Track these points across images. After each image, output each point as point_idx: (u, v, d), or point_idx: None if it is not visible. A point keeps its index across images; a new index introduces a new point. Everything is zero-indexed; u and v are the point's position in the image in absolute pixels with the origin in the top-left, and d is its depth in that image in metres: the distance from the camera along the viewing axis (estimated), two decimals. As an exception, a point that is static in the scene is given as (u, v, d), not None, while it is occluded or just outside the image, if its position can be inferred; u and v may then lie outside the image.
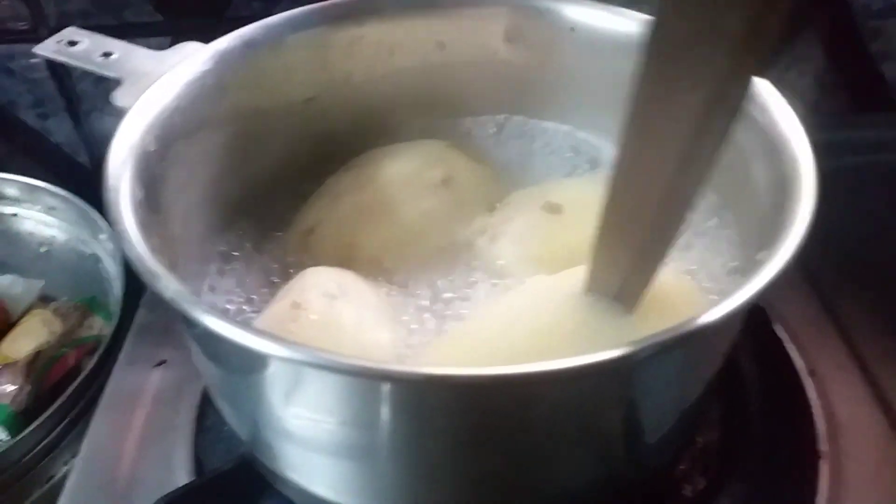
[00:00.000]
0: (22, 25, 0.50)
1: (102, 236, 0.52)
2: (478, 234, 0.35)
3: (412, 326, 0.32)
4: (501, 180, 0.38)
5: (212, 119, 0.32)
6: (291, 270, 0.34)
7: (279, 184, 0.37)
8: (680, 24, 0.17)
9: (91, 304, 0.51)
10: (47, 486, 0.45)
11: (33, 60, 0.52)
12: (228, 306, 0.33)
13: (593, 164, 0.38)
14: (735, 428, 0.37)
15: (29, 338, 0.47)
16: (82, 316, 0.50)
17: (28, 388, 0.46)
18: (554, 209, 0.34)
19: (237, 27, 0.34)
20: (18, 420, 0.45)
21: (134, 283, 0.50)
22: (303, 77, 0.36)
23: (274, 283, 0.34)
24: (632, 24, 0.34)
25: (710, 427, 0.37)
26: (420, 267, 0.35)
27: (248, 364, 0.24)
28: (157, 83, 0.30)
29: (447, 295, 0.34)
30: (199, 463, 0.37)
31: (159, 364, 0.42)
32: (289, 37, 0.34)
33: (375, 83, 0.37)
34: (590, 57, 0.36)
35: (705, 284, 0.32)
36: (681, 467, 0.35)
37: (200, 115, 0.31)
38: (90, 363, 0.46)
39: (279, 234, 0.36)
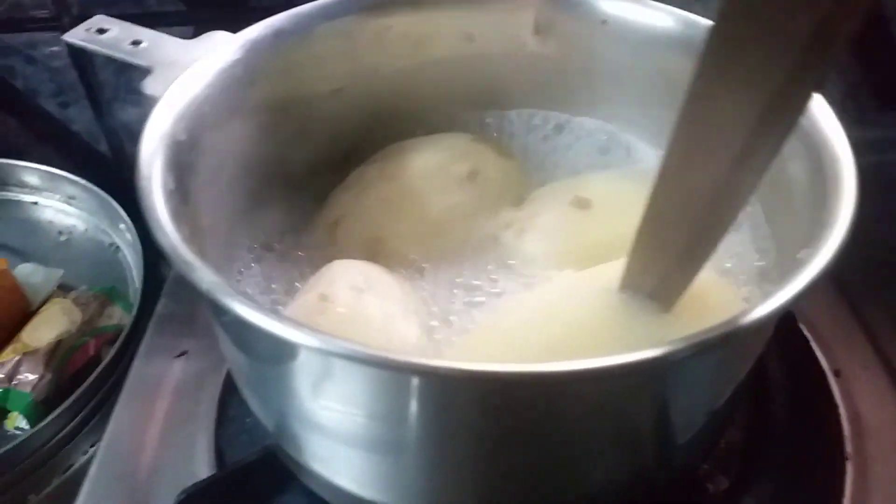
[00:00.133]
0: (44, 13, 0.50)
1: (122, 226, 0.53)
2: (504, 228, 0.35)
3: (438, 320, 0.32)
4: (528, 175, 0.38)
5: (240, 109, 0.32)
6: (317, 262, 0.34)
7: (305, 175, 0.36)
8: (746, 22, 0.17)
9: (110, 294, 0.51)
10: (66, 474, 0.45)
11: (55, 48, 0.52)
12: (254, 298, 0.33)
13: (623, 159, 0.38)
14: (759, 428, 0.37)
15: (49, 327, 0.47)
16: (102, 305, 0.50)
17: (49, 376, 0.46)
18: (583, 204, 0.34)
19: (260, 16, 0.34)
20: (39, 409, 0.45)
21: (153, 273, 0.50)
22: (331, 68, 0.35)
23: (299, 274, 0.34)
24: (665, 17, 0.34)
25: (733, 427, 0.37)
26: (446, 260, 0.34)
27: (281, 355, 0.24)
28: (187, 72, 0.30)
29: (473, 289, 0.33)
30: (220, 454, 0.37)
31: (181, 355, 0.42)
32: (318, 27, 0.34)
33: (403, 75, 0.37)
34: (621, 51, 0.35)
35: (735, 283, 0.32)
36: (704, 466, 0.35)
37: (229, 104, 0.31)
38: (110, 353, 0.46)
39: (305, 225, 0.36)
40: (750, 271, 0.32)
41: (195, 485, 0.33)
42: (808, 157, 0.28)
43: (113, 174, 0.58)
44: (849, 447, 0.36)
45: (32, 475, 0.44)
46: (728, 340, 0.21)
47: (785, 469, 0.35)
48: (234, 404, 0.39)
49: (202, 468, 0.36)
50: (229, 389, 0.39)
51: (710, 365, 0.25)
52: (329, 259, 0.33)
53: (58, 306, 0.49)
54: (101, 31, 0.33)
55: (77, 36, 0.33)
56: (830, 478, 0.35)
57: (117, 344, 0.46)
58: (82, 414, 0.45)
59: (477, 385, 0.22)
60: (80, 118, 0.56)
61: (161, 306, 0.45)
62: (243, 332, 0.26)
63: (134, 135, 0.57)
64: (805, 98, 0.18)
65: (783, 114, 0.18)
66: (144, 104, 0.55)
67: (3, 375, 0.46)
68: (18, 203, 0.56)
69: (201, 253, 0.24)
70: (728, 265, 0.32)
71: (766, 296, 0.22)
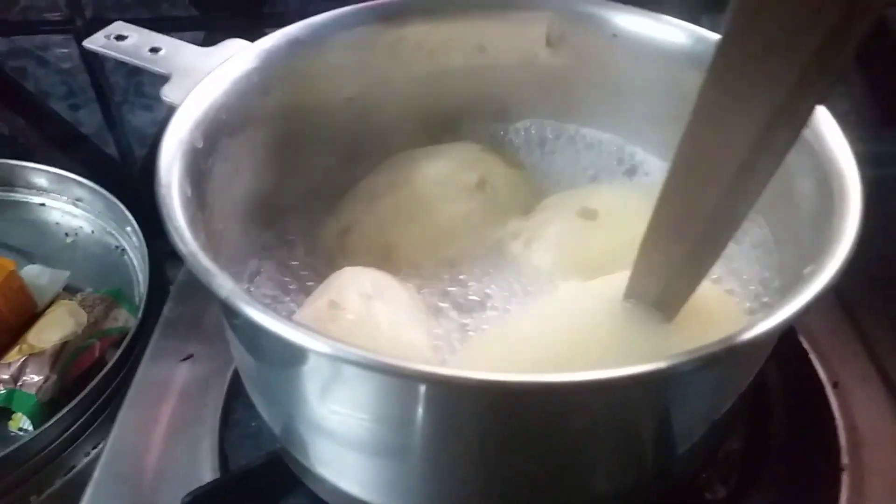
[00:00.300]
0: (57, 16, 0.50)
1: (129, 228, 0.53)
2: (512, 237, 0.35)
3: (446, 328, 0.32)
4: (537, 185, 0.38)
5: (256, 116, 0.32)
6: (327, 269, 0.34)
7: (317, 182, 0.37)
8: (754, 34, 0.17)
9: (117, 296, 0.51)
10: (69, 476, 0.45)
11: (67, 51, 0.52)
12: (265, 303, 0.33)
13: (631, 171, 0.38)
14: (758, 438, 0.37)
15: (55, 328, 0.47)
16: (108, 308, 0.50)
17: (54, 378, 0.46)
18: (590, 215, 0.34)
19: (272, 22, 0.34)
20: (43, 410, 0.45)
21: (159, 276, 0.51)
22: (344, 76, 0.36)
23: (310, 281, 0.34)
24: (675, 32, 0.34)
25: (733, 436, 0.37)
26: (454, 269, 0.35)
27: (294, 360, 0.25)
28: (205, 80, 0.30)
29: (481, 297, 0.34)
30: (224, 458, 0.37)
31: (186, 358, 0.42)
32: (332, 37, 0.34)
33: (415, 84, 0.37)
34: (631, 64, 0.36)
35: (739, 296, 0.32)
36: (703, 475, 0.35)
37: (245, 112, 0.31)
38: (115, 355, 0.46)
39: (316, 232, 0.36)
40: (756, 286, 0.33)
41: (200, 488, 0.34)
42: (815, 173, 0.28)
43: (121, 177, 0.58)
44: (845, 458, 0.36)
45: (35, 476, 0.44)
46: (731, 354, 0.22)
47: (782, 479, 0.35)
48: (239, 408, 0.39)
49: (206, 472, 0.36)
50: (234, 393, 0.39)
51: (713, 377, 0.26)
52: (339, 266, 0.33)
53: (64, 308, 0.49)
54: (121, 37, 0.34)
55: (97, 42, 0.34)
56: (826, 488, 0.35)
57: (122, 346, 0.46)
58: (86, 416, 0.45)
59: (483, 393, 0.22)
60: (89, 121, 0.56)
61: (168, 310, 0.45)
62: (258, 338, 0.26)
63: (143, 138, 0.58)
64: (808, 112, 0.18)
65: (786, 127, 0.19)
66: (155, 108, 0.56)
67: (8, 376, 0.46)
68: (26, 204, 0.56)
69: (215, 257, 0.24)
70: (734, 279, 0.33)
71: (769, 310, 0.23)
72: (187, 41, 0.34)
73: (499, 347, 0.30)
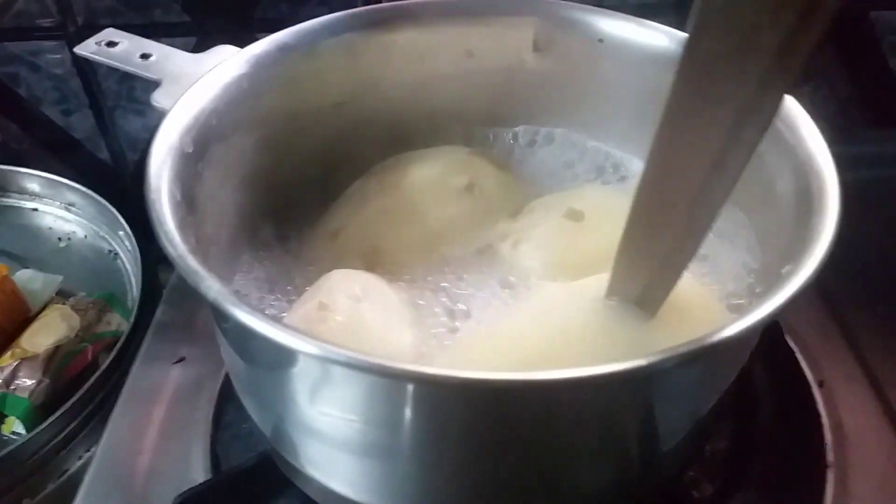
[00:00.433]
0: (48, 22, 0.51)
1: (121, 233, 0.53)
2: (500, 239, 0.36)
3: (434, 329, 0.33)
4: (525, 187, 0.39)
5: (246, 122, 0.33)
6: (316, 272, 0.34)
7: (306, 186, 0.37)
8: (717, 37, 0.18)
9: (109, 301, 0.52)
10: (62, 479, 0.45)
11: (59, 57, 0.52)
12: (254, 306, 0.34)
13: (617, 174, 0.39)
14: (744, 436, 0.38)
15: (48, 332, 0.48)
16: (101, 312, 0.50)
17: (46, 382, 0.46)
18: (576, 216, 0.35)
19: (264, 28, 0.34)
20: (36, 414, 0.46)
21: (151, 280, 0.51)
22: (334, 82, 0.36)
23: (299, 283, 0.35)
24: (660, 37, 0.35)
25: (718, 435, 0.37)
26: (443, 271, 0.35)
27: (283, 362, 0.25)
28: (195, 86, 0.30)
29: (469, 299, 0.34)
30: (216, 460, 0.37)
31: (178, 361, 0.42)
32: (321, 42, 0.35)
33: (404, 89, 0.38)
34: (617, 69, 0.36)
35: (723, 295, 0.33)
36: (690, 474, 0.36)
37: (235, 117, 0.32)
38: (107, 359, 0.46)
39: (306, 236, 0.37)
40: (737, 284, 0.33)
41: (191, 489, 0.34)
42: (795, 174, 0.29)
43: (113, 182, 0.59)
44: (830, 456, 0.37)
45: (28, 480, 0.44)
46: (711, 352, 0.22)
47: (768, 476, 0.36)
48: (230, 411, 0.39)
49: (198, 474, 0.36)
50: (226, 396, 0.40)
51: (695, 374, 0.26)
52: (328, 268, 0.33)
53: (57, 312, 0.49)
54: (112, 44, 0.34)
55: (88, 49, 0.34)
56: (812, 485, 0.36)
57: (115, 350, 0.46)
58: (79, 419, 0.45)
59: (468, 392, 0.22)
60: (81, 126, 0.56)
61: (160, 313, 0.45)
62: (247, 340, 0.26)
63: (135, 143, 0.59)
64: (773, 109, 0.19)
65: (753, 124, 0.19)
66: (147, 114, 0.56)
67: (1, 380, 0.46)
68: (19, 209, 0.57)
69: (205, 261, 0.24)
70: (712, 277, 0.33)
71: (749, 308, 0.23)
72: (179, 47, 0.35)
73: (484, 347, 0.30)
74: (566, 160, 0.40)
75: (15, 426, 0.46)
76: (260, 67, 0.33)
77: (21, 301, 0.50)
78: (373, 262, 0.35)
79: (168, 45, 0.35)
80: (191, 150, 0.29)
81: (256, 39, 0.34)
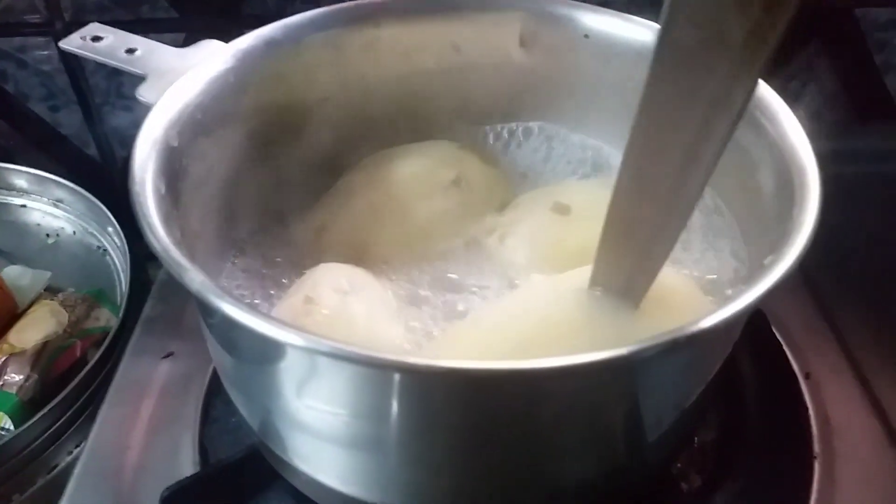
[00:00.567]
0: (36, 18, 0.50)
1: (110, 229, 0.53)
2: (487, 233, 0.36)
3: (421, 322, 0.33)
4: (512, 182, 0.39)
5: (231, 116, 0.33)
6: (303, 266, 0.34)
7: (293, 181, 0.37)
8: (687, 32, 0.18)
9: (98, 296, 0.52)
10: (51, 474, 0.45)
11: (47, 53, 0.52)
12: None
13: (602, 168, 0.39)
14: (731, 428, 0.38)
15: (37, 328, 0.48)
16: (89, 307, 0.50)
17: (35, 377, 0.46)
18: (562, 210, 0.35)
19: (250, 24, 0.34)
20: (24, 409, 0.45)
21: (140, 276, 0.51)
22: (320, 77, 0.36)
23: (286, 278, 0.35)
24: (645, 32, 0.35)
25: (707, 427, 0.38)
26: (430, 265, 0.35)
27: (268, 354, 0.25)
28: (180, 80, 0.30)
29: (456, 292, 0.34)
30: (204, 454, 0.37)
31: (167, 356, 0.42)
32: (308, 37, 0.35)
33: (390, 84, 0.38)
34: (603, 64, 0.36)
35: (706, 286, 0.33)
36: (678, 465, 0.36)
37: (221, 111, 0.32)
38: (96, 354, 0.46)
39: (292, 230, 0.37)
40: (721, 276, 0.33)
41: (180, 482, 0.34)
42: (777, 168, 0.29)
43: (101, 178, 0.59)
44: (817, 447, 0.37)
45: (17, 475, 0.44)
46: (693, 340, 0.22)
47: (756, 467, 0.36)
48: (218, 405, 0.39)
49: (187, 467, 0.36)
50: (214, 390, 0.40)
51: (679, 364, 0.26)
52: (315, 263, 0.34)
53: (45, 308, 0.49)
54: (96, 38, 0.34)
55: (72, 43, 0.34)
56: (799, 476, 0.36)
57: (104, 346, 0.46)
58: (68, 415, 0.45)
59: (453, 381, 0.22)
60: (69, 122, 0.56)
61: (149, 308, 0.45)
62: (231, 332, 0.27)
63: (123, 139, 0.58)
64: (744, 99, 0.19)
65: (724, 114, 0.20)
66: (135, 109, 0.56)
67: (-11, 376, 0.46)
68: (6, 205, 0.56)
69: (191, 255, 0.24)
70: (697, 268, 0.33)
71: (731, 298, 0.24)
72: (167, 43, 0.35)
73: (470, 339, 0.30)
74: (552, 154, 0.40)
75: (3, 422, 0.46)
76: (246, 62, 0.33)
77: (9, 297, 0.49)
78: (359, 256, 0.35)
79: (156, 41, 0.35)
80: (176, 144, 0.29)
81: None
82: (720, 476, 0.36)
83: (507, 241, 0.35)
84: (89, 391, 0.46)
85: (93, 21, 0.36)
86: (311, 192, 0.38)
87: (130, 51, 0.33)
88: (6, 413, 0.45)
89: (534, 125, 0.41)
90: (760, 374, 0.40)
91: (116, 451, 0.38)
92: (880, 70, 0.55)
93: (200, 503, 0.34)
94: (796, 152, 0.29)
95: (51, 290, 0.52)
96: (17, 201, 0.56)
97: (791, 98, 0.30)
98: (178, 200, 0.28)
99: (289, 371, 0.25)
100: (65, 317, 0.49)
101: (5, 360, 0.46)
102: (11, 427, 0.45)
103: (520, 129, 0.41)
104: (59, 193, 0.55)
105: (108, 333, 0.47)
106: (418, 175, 0.37)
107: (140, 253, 0.51)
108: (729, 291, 0.33)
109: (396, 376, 0.23)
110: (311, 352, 0.22)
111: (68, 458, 0.45)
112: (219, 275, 0.34)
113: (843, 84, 0.56)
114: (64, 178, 0.54)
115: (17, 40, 0.52)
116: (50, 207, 0.56)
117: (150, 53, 0.33)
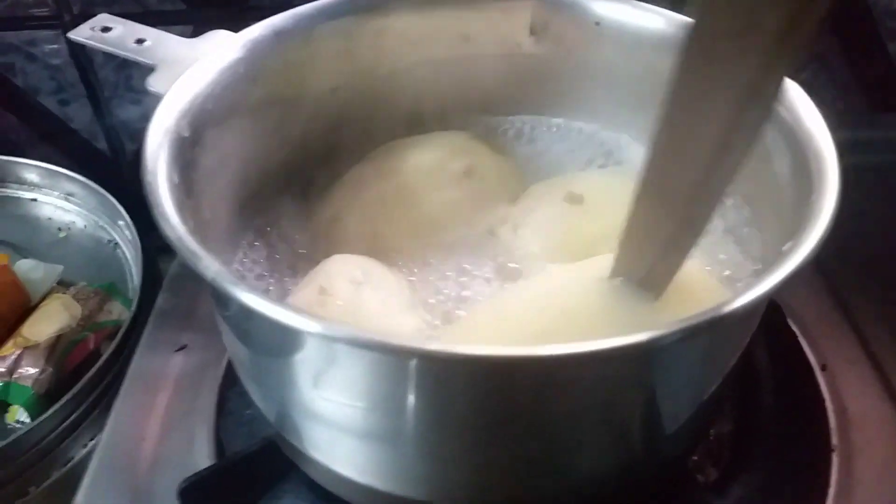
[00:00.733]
0: (45, 11, 0.50)
1: (121, 222, 0.53)
2: (500, 224, 0.36)
3: (435, 313, 0.33)
4: (524, 172, 0.39)
5: (242, 106, 0.32)
6: (316, 257, 0.34)
7: (304, 172, 0.37)
8: (720, 20, 0.18)
9: (110, 290, 0.52)
10: (67, 467, 0.45)
11: (56, 46, 0.52)
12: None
13: (616, 157, 0.38)
14: (748, 420, 0.38)
15: (50, 321, 0.48)
16: (101, 301, 0.50)
17: (49, 370, 0.46)
18: (575, 200, 0.35)
19: (258, 15, 0.34)
20: (39, 402, 0.46)
21: (151, 269, 0.51)
22: (329, 67, 0.36)
23: (298, 269, 0.35)
24: (657, 19, 0.34)
25: (723, 419, 0.37)
26: (442, 256, 0.35)
27: (284, 342, 0.25)
28: (191, 70, 0.30)
29: (470, 283, 0.34)
30: (220, 446, 0.37)
31: (181, 349, 0.42)
32: (317, 27, 0.35)
33: (399, 74, 0.38)
34: (614, 52, 0.36)
35: (723, 275, 0.33)
36: (694, 458, 0.36)
37: (231, 102, 0.32)
38: (109, 347, 0.46)
39: (304, 221, 0.37)
40: (738, 265, 0.33)
41: (196, 474, 0.34)
42: (794, 155, 0.29)
43: (112, 171, 0.59)
44: (834, 439, 0.37)
45: (33, 468, 0.44)
46: (713, 326, 0.22)
47: (773, 460, 0.36)
48: (233, 397, 0.39)
49: (202, 460, 0.37)
50: (229, 382, 0.40)
51: (697, 352, 0.26)
52: (328, 254, 0.33)
53: (58, 301, 0.49)
54: (106, 29, 0.34)
55: (82, 34, 0.34)
56: (816, 468, 0.36)
57: (117, 338, 0.47)
58: (83, 407, 0.45)
59: (471, 368, 0.22)
60: (79, 116, 0.56)
61: (161, 300, 0.45)
62: (247, 321, 0.26)
63: (133, 132, 0.58)
64: (776, 90, 0.19)
65: (756, 105, 0.19)
66: (144, 102, 0.56)
67: (4, 369, 0.46)
68: (18, 200, 0.57)
69: (203, 244, 0.24)
70: (717, 257, 0.33)
71: (750, 285, 0.23)
72: (175, 35, 0.35)
73: (488, 325, 0.30)
74: (564, 144, 0.40)
75: (19, 415, 0.46)
76: (256, 52, 0.33)
77: (22, 291, 0.50)
78: (372, 247, 0.35)
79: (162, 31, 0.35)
80: (187, 135, 0.29)
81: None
82: (736, 469, 0.36)
83: (521, 231, 0.35)
84: (103, 384, 0.46)
85: (101, 13, 0.36)
86: (322, 181, 0.38)
87: (140, 41, 0.33)
88: (23, 406, 0.45)
89: (545, 114, 0.40)
90: (776, 365, 0.40)
91: (132, 443, 0.38)
92: (893, 58, 0.54)
93: (217, 495, 0.34)
94: (813, 137, 0.28)
95: (63, 284, 0.52)
96: (28, 195, 0.57)
97: (803, 88, 0.30)
98: (191, 190, 0.28)
99: (306, 360, 0.25)
100: (78, 310, 0.49)
101: (20, 354, 0.46)
102: (27, 420, 0.45)
103: (530, 118, 0.41)
104: (70, 187, 0.56)
105: (121, 326, 0.47)
106: (430, 165, 0.37)
107: (151, 246, 0.51)
108: (742, 283, 0.32)
109: (415, 363, 0.23)
110: (331, 339, 0.22)
111: (84, 451, 0.46)
112: (231, 263, 0.34)
113: (856, 73, 0.55)
114: (74, 171, 0.54)
115: (26, 34, 0.52)
116: (61, 201, 0.56)
117: (160, 44, 0.33)
